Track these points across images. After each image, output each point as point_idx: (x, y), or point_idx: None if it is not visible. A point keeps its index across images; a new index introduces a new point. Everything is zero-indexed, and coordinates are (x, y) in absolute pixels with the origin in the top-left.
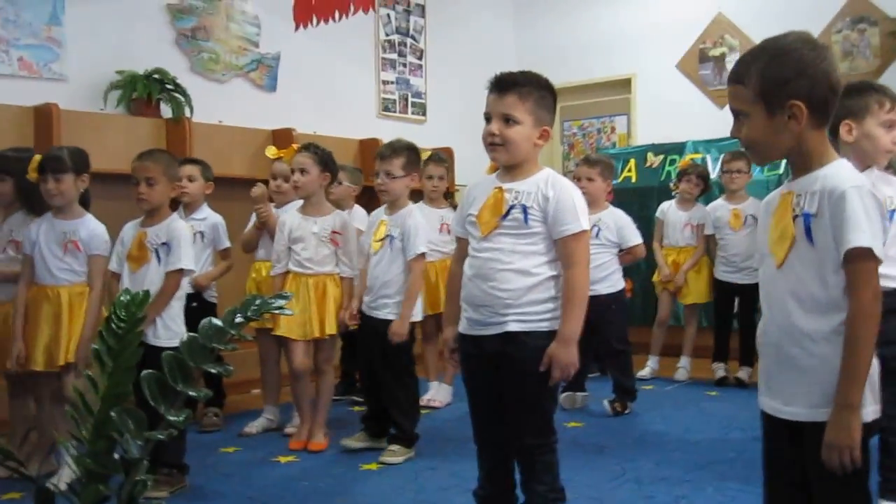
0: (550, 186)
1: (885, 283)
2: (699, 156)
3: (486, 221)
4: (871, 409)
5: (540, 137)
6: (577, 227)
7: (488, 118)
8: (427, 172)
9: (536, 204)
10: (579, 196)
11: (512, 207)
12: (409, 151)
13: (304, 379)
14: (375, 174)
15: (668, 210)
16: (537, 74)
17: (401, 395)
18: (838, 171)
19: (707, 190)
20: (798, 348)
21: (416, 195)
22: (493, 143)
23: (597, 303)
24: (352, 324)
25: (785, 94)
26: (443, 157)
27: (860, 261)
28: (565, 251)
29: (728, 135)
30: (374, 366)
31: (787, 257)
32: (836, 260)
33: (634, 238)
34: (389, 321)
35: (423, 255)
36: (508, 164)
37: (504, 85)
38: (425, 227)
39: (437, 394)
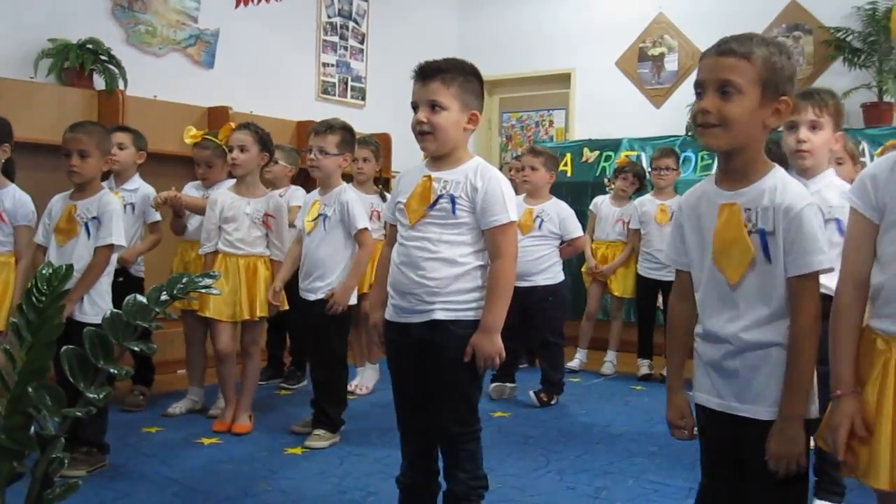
0: (479, 176)
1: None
2: (634, 153)
3: (414, 210)
4: (812, 408)
5: (469, 122)
6: (505, 217)
7: (415, 107)
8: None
9: (465, 194)
10: (508, 186)
11: (440, 197)
12: (344, 131)
13: (230, 361)
14: (308, 150)
15: (602, 204)
16: (462, 60)
17: (330, 381)
18: (785, 186)
19: (642, 188)
20: (748, 351)
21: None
22: (422, 132)
23: (534, 294)
24: (274, 303)
25: (783, 88)
26: (369, 140)
27: (813, 280)
28: (493, 242)
29: (662, 133)
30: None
31: (744, 275)
32: (782, 275)
33: (576, 230)
34: (322, 302)
35: (366, 228)
36: (438, 153)
37: (427, 72)
38: (361, 202)
39: (363, 379)
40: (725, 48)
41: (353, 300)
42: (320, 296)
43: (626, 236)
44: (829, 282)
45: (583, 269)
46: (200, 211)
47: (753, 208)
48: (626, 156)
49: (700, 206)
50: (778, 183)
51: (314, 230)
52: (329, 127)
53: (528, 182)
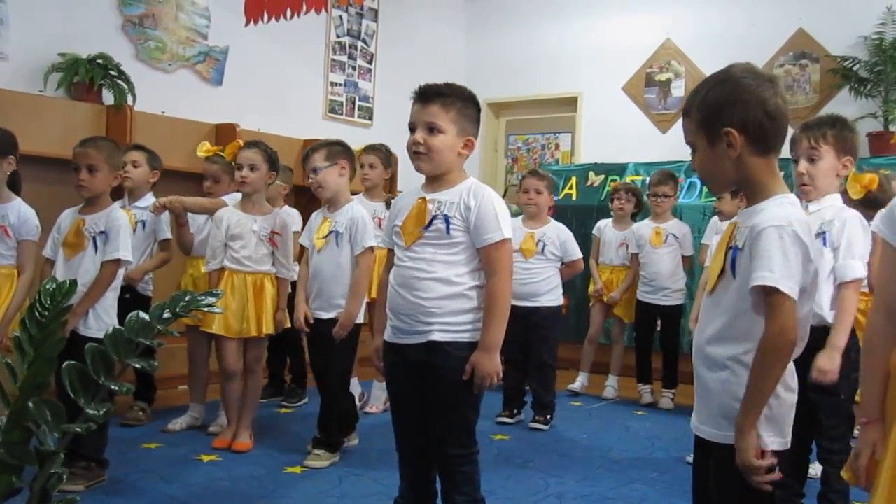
0: (472, 196)
1: (814, 322)
2: (640, 178)
3: (410, 232)
4: (776, 440)
5: (464, 147)
6: (498, 235)
7: (413, 128)
8: (360, 160)
9: (458, 213)
10: (501, 204)
11: (434, 217)
12: (329, 144)
13: (237, 379)
14: (308, 177)
15: (605, 228)
16: (461, 86)
17: (332, 399)
18: (771, 208)
19: (641, 207)
20: (706, 369)
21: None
22: (417, 152)
23: (538, 315)
24: (303, 329)
25: (720, 122)
26: (377, 146)
27: (769, 296)
28: (487, 260)
29: (668, 158)
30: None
31: (716, 286)
32: (745, 292)
33: (576, 253)
34: (333, 320)
35: (371, 248)
36: (432, 174)
37: (427, 95)
38: (371, 220)
39: (373, 398)
40: (683, 108)
41: (361, 318)
42: (332, 315)
43: (630, 260)
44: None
45: (590, 291)
46: (206, 210)
47: (740, 226)
48: (632, 180)
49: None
50: (769, 205)
51: (325, 247)
52: (313, 148)
53: (534, 205)
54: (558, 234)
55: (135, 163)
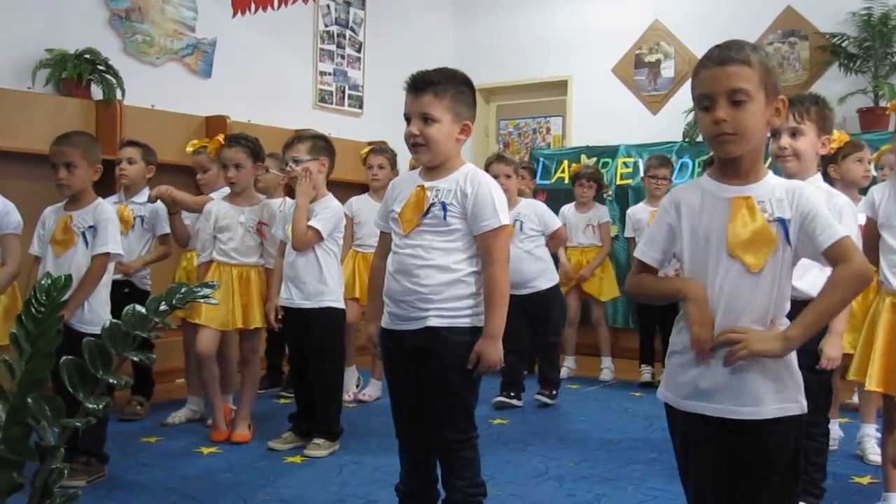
0: (469, 182)
1: (794, 296)
2: (631, 159)
3: (409, 220)
4: (804, 405)
5: (461, 133)
6: (495, 222)
7: (408, 119)
8: (368, 162)
9: (456, 200)
10: (498, 191)
11: (432, 205)
12: (315, 138)
13: (210, 364)
14: (285, 163)
15: (569, 213)
16: (454, 70)
17: (330, 387)
18: (789, 179)
19: (602, 189)
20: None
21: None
22: (415, 144)
23: (538, 298)
24: (276, 324)
25: (777, 89)
26: (385, 148)
27: (841, 243)
28: (485, 247)
29: (659, 139)
30: (304, 359)
31: (766, 262)
32: (795, 258)
33: (555, 222)
34: (315, 310)
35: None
36: (432, 164)
37: (419, 85)
38: (339, 212)
39: (368, 388)
40: (726, 57)
41: (340, 303)
42: (312, 304)
43: (599, 240)
44: (801, 284)
45: (561, 279)
46: (195, 209)
47: (767, 200)
48: (623, 162)
49: (704, 206)
50: (779, 179)
51: None
52: (298, 138)
53: (506, 190)
54: (533, 209)
55: (130, 160)
